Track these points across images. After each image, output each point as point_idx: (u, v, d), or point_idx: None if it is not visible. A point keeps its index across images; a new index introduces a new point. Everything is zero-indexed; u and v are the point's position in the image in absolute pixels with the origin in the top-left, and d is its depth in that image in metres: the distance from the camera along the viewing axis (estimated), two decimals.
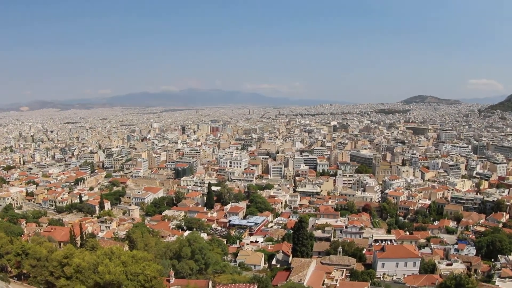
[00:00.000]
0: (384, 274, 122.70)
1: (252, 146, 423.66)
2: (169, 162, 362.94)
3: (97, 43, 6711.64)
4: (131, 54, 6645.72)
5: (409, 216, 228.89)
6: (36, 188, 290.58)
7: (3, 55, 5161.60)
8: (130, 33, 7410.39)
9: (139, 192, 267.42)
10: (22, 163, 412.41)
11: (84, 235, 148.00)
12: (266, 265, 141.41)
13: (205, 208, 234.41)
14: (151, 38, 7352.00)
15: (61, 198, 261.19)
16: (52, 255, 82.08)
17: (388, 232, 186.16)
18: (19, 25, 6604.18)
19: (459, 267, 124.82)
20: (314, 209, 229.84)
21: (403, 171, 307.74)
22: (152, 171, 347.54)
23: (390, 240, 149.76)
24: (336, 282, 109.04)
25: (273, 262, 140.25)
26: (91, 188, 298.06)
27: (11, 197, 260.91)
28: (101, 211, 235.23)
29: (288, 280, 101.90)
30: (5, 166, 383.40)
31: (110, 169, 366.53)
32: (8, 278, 74.33)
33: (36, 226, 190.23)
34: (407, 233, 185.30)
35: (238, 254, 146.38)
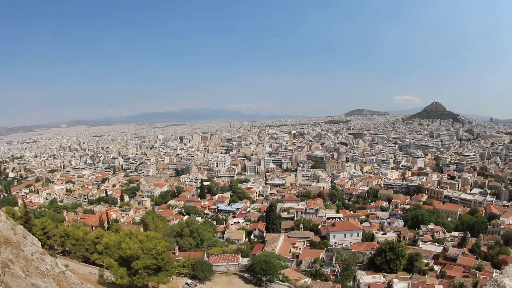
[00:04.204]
0: (335, 243, 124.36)
1: (233, 151, 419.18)
2: (171, 164, 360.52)
3: (117, 73, 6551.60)
4: (143, 82, 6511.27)
5: (352, 199, 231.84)
6: (73, 186, 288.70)
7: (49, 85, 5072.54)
8: (140, 63, 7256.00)
9: (149, 188, 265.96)
10: (62, 167, 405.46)
11: (110, 221, 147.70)
12: (247, 240, 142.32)
13: (199, 198, 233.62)
14: (158, 69, 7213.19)
15: (92, 193, 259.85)
16: (87, 236, 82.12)
17: (337, 211, 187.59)
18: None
19: (391, 236, 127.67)
20: (281, 197, 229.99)
21: (347, 166, 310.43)
22: (158, 171, 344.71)
23: (339, 218, 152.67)
24: (300, 250, 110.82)
25: (252, 237, 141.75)
26: (114, 185, 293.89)
27: (55, 193, 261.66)
28: (122, 202, 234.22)
29: (263, 250, 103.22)
30: (50, 169, 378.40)
31: (127, 170, 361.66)
32: (56, 254, 74.13)
33: (74, 214, 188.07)
34: (352, 212, 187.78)
35: (225, 232, 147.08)
